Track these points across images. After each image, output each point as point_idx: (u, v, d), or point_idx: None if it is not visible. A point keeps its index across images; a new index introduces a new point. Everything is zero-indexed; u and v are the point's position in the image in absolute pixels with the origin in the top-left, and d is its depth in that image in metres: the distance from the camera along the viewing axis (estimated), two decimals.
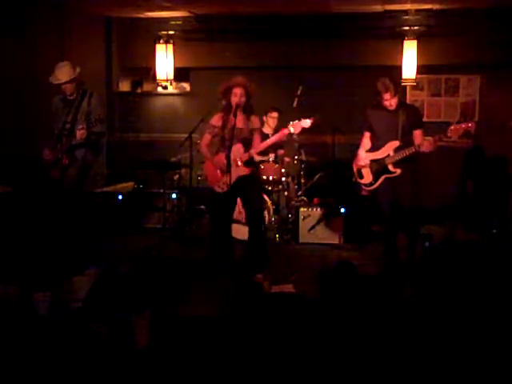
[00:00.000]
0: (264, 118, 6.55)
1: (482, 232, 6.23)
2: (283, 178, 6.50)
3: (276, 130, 6.51)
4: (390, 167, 4.98)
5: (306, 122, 4.76)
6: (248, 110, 4.86)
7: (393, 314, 4.05)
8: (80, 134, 5.00)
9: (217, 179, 4.94)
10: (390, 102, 4.89)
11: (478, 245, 5.57)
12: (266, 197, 6.41)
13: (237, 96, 4.79)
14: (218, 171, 4.90)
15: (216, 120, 4.98)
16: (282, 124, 4.98)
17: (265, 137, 5.32)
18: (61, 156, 5.14)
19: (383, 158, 5.01)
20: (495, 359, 3.37)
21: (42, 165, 5.28)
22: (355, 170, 5.30)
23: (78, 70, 5.25)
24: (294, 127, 4.78)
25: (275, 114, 6.62)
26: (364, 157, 5.13)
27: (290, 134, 4.97)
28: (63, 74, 5.17)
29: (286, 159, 6.67)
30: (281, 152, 6.69)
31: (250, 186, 4.95)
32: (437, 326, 3.80)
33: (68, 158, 5.16)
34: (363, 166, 5.13)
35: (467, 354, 3.42)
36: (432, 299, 4.26)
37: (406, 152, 4.85)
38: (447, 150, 6.03)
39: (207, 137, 5.05)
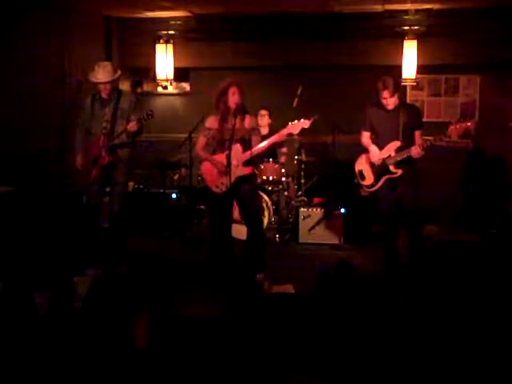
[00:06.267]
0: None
1: (483, 232, 6.23)
2: (283, 178, 6.50)
3: (270, 128, 6.54)
4: (392, 168, 4.97)
5: (305, 123, 4.75)
6: (242, 110, 4.85)
7: (392, 314, 4.05)
8: (131, 126, 5.00)
9: (215, 180, 4.92)
10: (388, 100, 4.88)
11: (478, 245, 5.57)
12: (265, 197, 6.42)
13: (235, 95, 4.78)
14: (216, 172, 4.89)
15: (211, 122, 4.94)
16: (281, 124, 4.96)
17: (261, 137, 5.31)
18: (103, 154, 5.14)
19: (385, 159, 5.00)
20: (493, 357, 3.37)
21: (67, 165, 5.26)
22: (357, 171, 5.30)
23: (118, 72, 5.26)
24: (293, 128, 4.77)
25: (265, 112, 6.65)
26: (378, 152, 5.08)
27: (290, 134, 4.96)
28: (104, 74, 5.13)
29: (284, 158, 6.67)
30: (283, 150, 6.71)
31: (249, 187, 4.93)
32: (435, 325, 3.80)
33: (110, 157, 5.16)
34: (381, 162, 5.06)
35: (466, 354, 3.42)
36: (431, 298, 4.26)
37: (406, 153, 4.85)
38: (447, 151, 6.04)
39: (202, 140, 5.00)
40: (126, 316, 3.60)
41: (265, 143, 4.82)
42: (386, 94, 4.84)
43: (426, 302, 4.24)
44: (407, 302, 4.28)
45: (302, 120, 4.75)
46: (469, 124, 4.62)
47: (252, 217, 4.95)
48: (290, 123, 4.80)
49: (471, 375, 3.21)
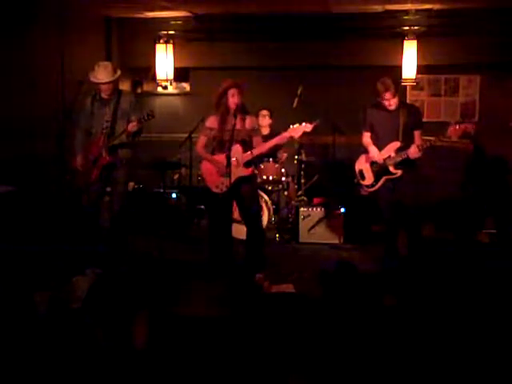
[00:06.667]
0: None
1: (481, 232, 6.24)
2: (283, 178, 6.50)
3: (271, 129, 6.54)
4: (391, 168, 4.97)
5: (307, 127, 4.73)
6: (243, 110, 4.85)
7: (392, 314, 4.05)
8: (132, 126, 5.00)
9: (215, 180, 4.92)
10: (390, 101, 4.88)
11: (477, 245, 5.58)
12: (265, 196, 6.42)
13: (235, 96, 4.78)
14: (216, 172, 4.89)
15: (211, 122, 4.95)
16: (281, 124, 4.96)
17: (262, 138, 5.31)
18: (103, 154, 5.13)
19: (385, 159, 5.00)
20: (491, 355, 3.38)
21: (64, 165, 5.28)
22: (357, 170, 5.30)
23: (118, 72, 5.25)
24: (295, 131, 4.75)
25: (265, 112, 6.64)
26: (377, 153, 5.07)
27: (291, 137, 4.96)
28: (104, 74, 5.14)
29: (284, 155, 6.66)
30: (283, 150, 6.71)
31: (248, 188, 4.94)
32: (435, 326, 3.80)
33: (110, 157, 5.15)
34: (381, 162, 5.04)
35: (466, 355, 3.42)
36: (429, 298, 4.26)
37: (405, 154, 4.86)
38: (447, 151, 6.04)
39: (203, 139, 5.02)
40: (125, 315, 3.60)
41: (266, 145, 4.83)
42: (388, 95, 4.83)
43: (425, 302, 4.24)
44: (406, 302, 4.28)
45: (304, 124, 4.72)
46: (468, 126, 4.64)
47: (252, 217, 4.95)
48: (291, 126, 4.78)
49: (470, 373, 3.21)
